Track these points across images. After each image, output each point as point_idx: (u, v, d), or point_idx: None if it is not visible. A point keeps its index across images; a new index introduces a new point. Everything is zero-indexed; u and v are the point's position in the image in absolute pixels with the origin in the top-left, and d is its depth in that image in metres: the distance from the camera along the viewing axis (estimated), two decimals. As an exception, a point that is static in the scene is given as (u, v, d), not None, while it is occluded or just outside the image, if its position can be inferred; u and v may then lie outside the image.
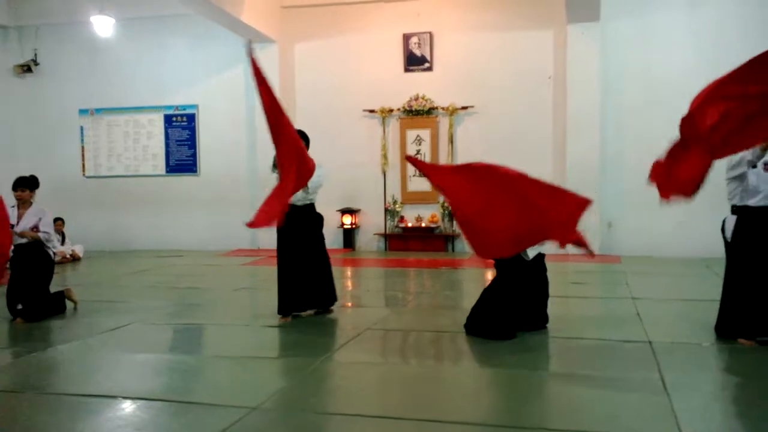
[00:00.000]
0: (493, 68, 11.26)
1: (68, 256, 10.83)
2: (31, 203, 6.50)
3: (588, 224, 10.69)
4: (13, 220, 6.36)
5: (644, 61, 10.69)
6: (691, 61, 10.48)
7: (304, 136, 6.12)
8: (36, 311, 6.26)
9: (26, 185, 6.45)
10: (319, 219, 6.21)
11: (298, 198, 5.95)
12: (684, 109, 11.15)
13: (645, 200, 10.56)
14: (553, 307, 5.61)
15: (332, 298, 6.24)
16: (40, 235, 6.38)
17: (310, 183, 5.84)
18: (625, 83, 10.76)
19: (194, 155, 12.51)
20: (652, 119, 10.63)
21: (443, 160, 11.48)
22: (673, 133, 11.52)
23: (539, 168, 11.05)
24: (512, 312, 5.22)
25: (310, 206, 6.10)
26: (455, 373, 4.49)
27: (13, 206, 6.43)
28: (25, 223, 6.36)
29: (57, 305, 6.60)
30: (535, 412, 3.68)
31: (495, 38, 11.30)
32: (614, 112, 10.80)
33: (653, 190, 10.03)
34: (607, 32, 10.69)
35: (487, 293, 5.35)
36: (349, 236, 11.77)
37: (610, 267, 9.39)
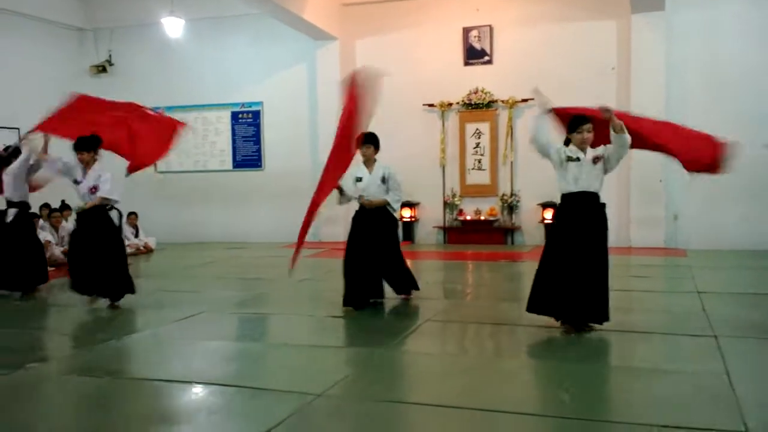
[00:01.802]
0: (555, 60, 11.13)
1: (141, 248, 11.33)
2: (95, 161, 6.52)
3: (653, 218, 10.58)
4: (80, 177, 6.46)
5: (709, 52, 10.37)
6: (757, 52, 10.16)
7: (377, 140, 6.39)
8: (114, 289, 6.51)
9: (85, 147, 6.41)
10: (390, 219, 6.35)
11: (372, 197, 6.23)
12: (750, 102, 10.77)
13: (710, 192, 10.37)
14: (616, 300, 5.56)
15: (411, 283, 6.51)
16: (99, 196, 6.39)
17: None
18: (690, 74, 10.48)
19: (259, 151, 12.86)
20: (717, 111, 10.31)
21: (501, 153, 11.44)
22: (739, 125, 11.18)
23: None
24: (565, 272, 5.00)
25: (382, 206, 6.27)
26: (515, 365, 4.55)
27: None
28: (85, 185, 6.42)
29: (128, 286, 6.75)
30: (596, 404, 3.71)
31: (556, 30, 11.17)
32: (679, 103, 10.51)
33: (718, 183, 9.65)
34: (672, 22, 10.42)
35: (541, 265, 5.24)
36: (408, 229, 11.88)
37: (676, 260, 9.19)
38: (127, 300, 6.70)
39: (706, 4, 10.38)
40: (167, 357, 4.90)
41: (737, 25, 10.28)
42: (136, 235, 11.61)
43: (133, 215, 11.67)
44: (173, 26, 12.37)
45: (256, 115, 12.86)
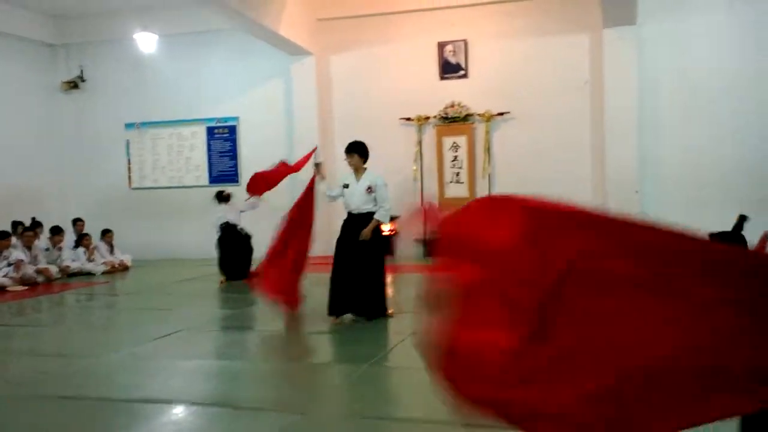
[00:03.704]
0: (529, 74, 11.25)
1: (117, 265, 11.14)
2: None
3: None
4: None
5: (682, 63, 10.54)
6: (730, 62, 10.36)
7: (362, 149, 6.28)
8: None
9: None
10: (377, 236, 6.26)
11: (357, 206, 6.16)
12: (725, 113, 10.72)
13: (685, 204, 10.51)
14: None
15: (380, 309, 6.25)
16: None
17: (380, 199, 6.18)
18: (663, 86, 10.64)
19: (235, 166, 12.78)
20: (692, 122, 10.52)
21: (479, 166, 11.51)
22: (713, 135, 11.22)
23: (578, 173, 11.10)
24: None
25: (367, 215, 6.16)
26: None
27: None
28: None
29: None
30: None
31: (530, 44, 11.30)
32: (653, 115, 10.70)
33: (695, 194, 9.60)
34: (643, 35, 10.58)
35: None
36: (388, 243, 11.85)
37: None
38: (102, 319, 6.58)
39: (677, 17, 10.57)
40: (146, 376, 4.80)
41: (708, 36, 10.46)
42: (111, 253, 11.43)
43: (108, 233, 11.50)
44: (146, 42, 12.29)
45: (232, 130, 12.78)
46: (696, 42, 10.50)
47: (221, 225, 9.54)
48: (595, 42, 10.91)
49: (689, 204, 10.53)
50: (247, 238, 9.63)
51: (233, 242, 9.50)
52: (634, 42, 10.55)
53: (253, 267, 9.22)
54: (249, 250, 9.54)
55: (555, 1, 11.11)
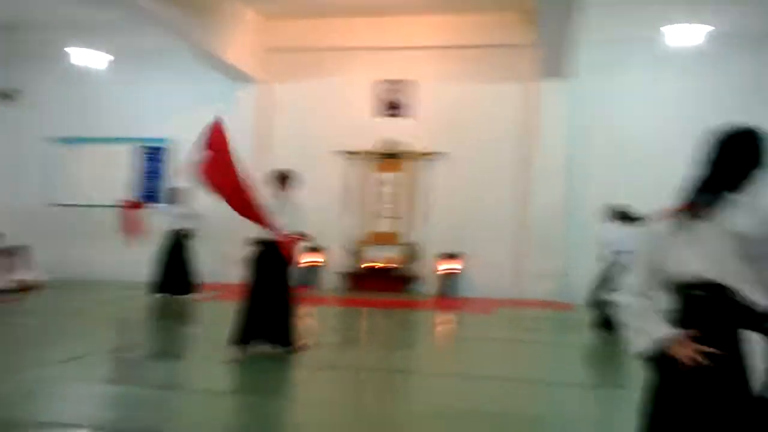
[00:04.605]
0: (465, 117, 11.63)
1: (29, 283, 10.70)
2: None
3: (547, 272, 11.05)
4: None
5: (611, 118, 11.17)
6: (654, 121, 11.01)
7: (284, 177, 6.29)
8: None
9: None
10: (282, 262, 6.15)
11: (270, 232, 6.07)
12: (649, 167, 11.21)
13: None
14: (505, 349, 5.80)
15: (289, 339, 6.11)
16: None
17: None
18: (592, 138, 11.21)
19: (162, 187, 12.59)
20: (616, 173, 11.06)
21: (407, 203, 11.75)
22: (637, 189, 11.78)
23: (503, 213, 11.47)
24: None
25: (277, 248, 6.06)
26: (408, 412, 4.63)
27: None
28: None
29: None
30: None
31: (468, 89, 11.69)
32: (580, 164, 11.20)
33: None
34: (577, 89, 11.08)
35: None
36: (311, 274, 11.86)
37: (563, 314, 9.62)
38: (7, 339, 6.34)
39: (610, 74, 11.14)
40: (52, 400, 4.67)
41: (637, 93, 11.14)
42: (25, 270, 10.98)
43: (23, 249, 11.08)
44: (85, 58, 12.09)
45: (163, 151, 12.65)
46: (625, 98, 11.16)
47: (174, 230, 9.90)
48: (531, 92, 11.40)
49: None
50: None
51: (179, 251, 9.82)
52: (568, 95, 11.09)
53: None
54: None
55: (494, 50, 11.56)
